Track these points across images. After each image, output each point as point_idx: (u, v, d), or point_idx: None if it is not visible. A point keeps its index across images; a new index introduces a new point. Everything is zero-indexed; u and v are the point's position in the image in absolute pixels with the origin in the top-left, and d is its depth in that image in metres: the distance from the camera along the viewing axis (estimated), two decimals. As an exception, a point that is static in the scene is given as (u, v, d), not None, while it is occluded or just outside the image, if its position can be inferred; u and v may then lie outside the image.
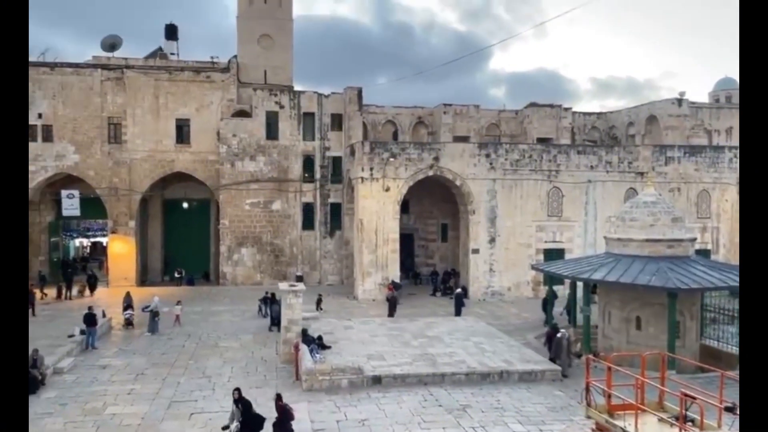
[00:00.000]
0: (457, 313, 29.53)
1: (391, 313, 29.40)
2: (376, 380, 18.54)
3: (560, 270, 24.78)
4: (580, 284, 24.12)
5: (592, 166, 36.26)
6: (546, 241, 36.02)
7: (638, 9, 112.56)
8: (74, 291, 35.14)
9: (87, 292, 35.51)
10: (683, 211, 31.38)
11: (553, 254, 34.98)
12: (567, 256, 34.18)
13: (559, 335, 20.72)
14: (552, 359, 20.56)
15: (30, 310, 29.31)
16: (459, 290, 31.87)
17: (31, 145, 38.16)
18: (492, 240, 35.50)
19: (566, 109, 45.79)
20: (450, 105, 44.76)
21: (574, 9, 36.75)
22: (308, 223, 41.14)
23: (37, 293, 32.20)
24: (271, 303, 27.82)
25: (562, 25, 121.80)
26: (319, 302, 31.34)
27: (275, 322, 25.82)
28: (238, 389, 14.00)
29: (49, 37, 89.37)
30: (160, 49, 46.07)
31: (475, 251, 35.49)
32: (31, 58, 39.27)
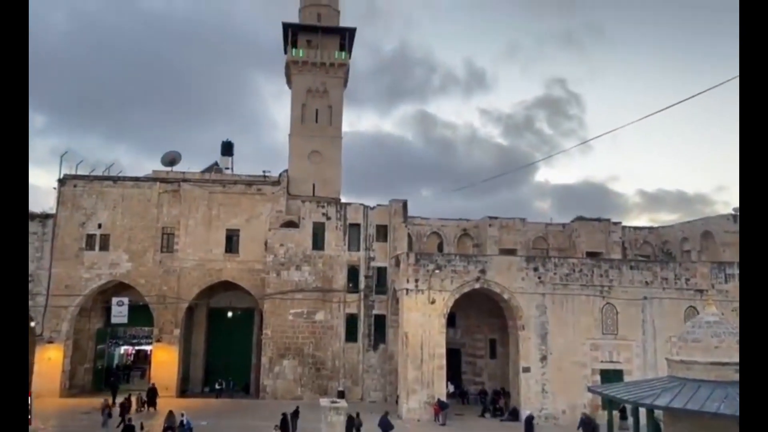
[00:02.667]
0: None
1: None
2: None
3: (620, 393, 23.00)
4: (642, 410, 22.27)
5: (647, 282, 34.86)
6: (602, 361, 33.99)
7: (684, 123, 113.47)
8: (118, 400, 33.11)
9: (148, 408, 33.22)
10: (750, 331, 29.37)
11: (611, 375, 32.85)
12: (626, 378, 32.06)
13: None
14: None
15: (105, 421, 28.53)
16: (529, 413, 29.59)
17: (89, 254, 39.66)
18: (544, 358, 33.78)
19: (615, 224, 45.02)
20: (495, 218, 44.69)
21: (617, 128, 37.42)
22: (351, 336, 40.30)
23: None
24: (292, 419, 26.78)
25: (606, 139, 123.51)
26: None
27: None
28: None
29: (113, 150, 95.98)
30: (216, 164, 48.55)
31: (526, 370, 33.73)
32: (97, 173, 41.94)
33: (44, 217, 39.99)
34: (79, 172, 41.29)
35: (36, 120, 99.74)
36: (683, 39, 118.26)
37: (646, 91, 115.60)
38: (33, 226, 39.23)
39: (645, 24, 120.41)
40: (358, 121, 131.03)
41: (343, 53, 46.89)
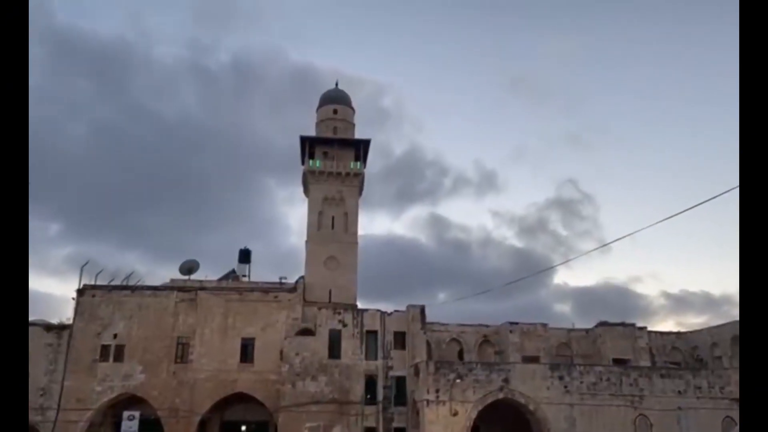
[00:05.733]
0: None
1: None
2: None
3: None
4: None
5: (680, 391, 33.21)
6: (639, 480, 31.73)
7: (704, 222, 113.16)
8: None
9: None
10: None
11: (650, 495, 30.52)
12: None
13: None
14: None
15: None
16: None
17: (102, 366, 38.92)
18: (576, 476, 31.58)
19: (641, 329, 43.61)
20: (516, 323, 43.60)
21: (637, 231, 37.45)
22: (370, 452, 38.21)
23: None
24: None
25: (625, 239, 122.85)
26: None
27: None
28: None
29: (128, 256, 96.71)
30: (233, 271, 48.70)
31: (557, 489, 31.46)
32: (116, 281, 42.14)
33: (60, 328, 39.76)
34: (99, 282, 41.51)
35: (51, 228, 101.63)
36: (693, 138, 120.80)
37: (661, 188, 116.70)
38: (48, 338, 38.97)
39: (654, 123, 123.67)
40: (371, 224, 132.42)
41: (358, 163, 48.23)
